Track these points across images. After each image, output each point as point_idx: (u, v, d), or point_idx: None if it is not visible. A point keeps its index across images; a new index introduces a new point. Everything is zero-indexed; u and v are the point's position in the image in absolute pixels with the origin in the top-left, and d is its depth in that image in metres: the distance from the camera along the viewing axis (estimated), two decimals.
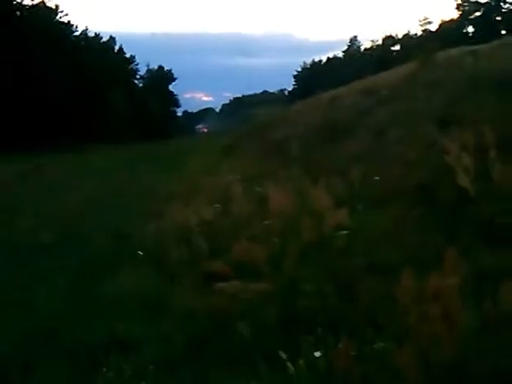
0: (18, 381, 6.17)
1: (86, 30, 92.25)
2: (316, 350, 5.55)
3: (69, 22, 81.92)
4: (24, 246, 12.94)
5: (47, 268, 11.17)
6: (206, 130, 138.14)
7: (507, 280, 4.96)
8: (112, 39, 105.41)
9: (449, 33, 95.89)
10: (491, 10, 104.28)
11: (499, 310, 4.79)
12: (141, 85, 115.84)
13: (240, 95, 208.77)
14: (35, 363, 6.55)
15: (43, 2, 69.85)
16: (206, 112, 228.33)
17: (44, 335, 7.38)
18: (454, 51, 28.68)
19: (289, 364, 5.52)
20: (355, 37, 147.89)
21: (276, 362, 5.64)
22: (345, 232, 8.85)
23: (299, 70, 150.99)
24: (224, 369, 5.91)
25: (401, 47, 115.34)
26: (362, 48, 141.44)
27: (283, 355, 5.63)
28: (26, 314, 8.35)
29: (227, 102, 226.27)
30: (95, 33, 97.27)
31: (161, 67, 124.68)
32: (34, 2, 68.66)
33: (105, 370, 5.99)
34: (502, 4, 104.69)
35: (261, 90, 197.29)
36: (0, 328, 7.83)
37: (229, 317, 6.96)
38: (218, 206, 12.48)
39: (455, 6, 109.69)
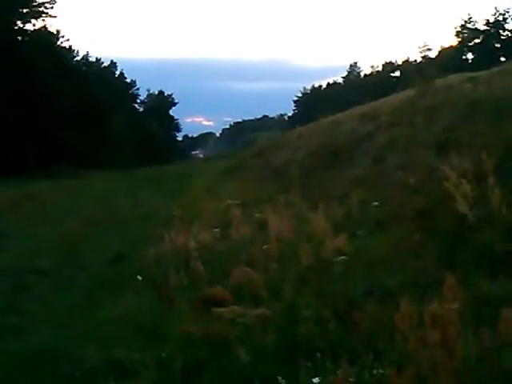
0: None
1: (87, 54, 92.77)
2: (315, 376, 5.54)
3: (70, 46, 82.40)
4: (22, 271, 12.91)
5: (46, 292, 11.17)
6: (201, 156, 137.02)
7: (506, 307, 4.95)
8: (113, 64, 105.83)
9: (448, 59, 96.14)
10: (491, 37, 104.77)
11: (498, 337, 4.77)
12: (141, 109, 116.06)
13: (240, 120, 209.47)
14: None
15: (45, 27, 70.07)
16: (207, 136, 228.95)
17: (42, 359, 7.36)
18: (453, 77, 28.83)
19: None
20: (355, 63, 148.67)
21: None
22: (344, 257, 8.86)
23: (299, 95, 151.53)
24: None
25: (400, 73, 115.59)
26: (362, 74, 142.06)
27: (282, 381, 5.61)
28: (24, 338, 8.35)
29: (227, 126, 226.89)
30: (96, 58, 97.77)
31: (161, 92, 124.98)
32: (36, 27, 68.93)
33: None
34: (501, 31, 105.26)
35: (261, 115, 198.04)
36: None
37: (227, 342, 6.94)
38: (218, 230, 12.49)
39: (455, 33, 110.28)
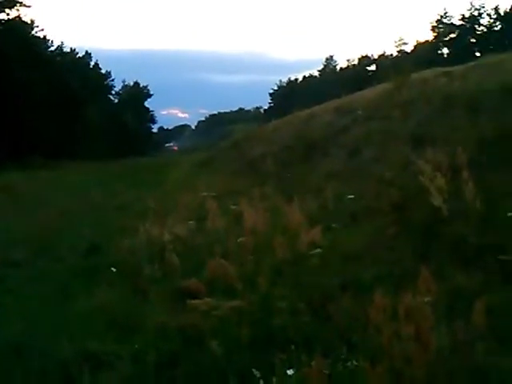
0: None
1: (62, 44, 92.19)
2: (289, 368, 5.54)
3: (45, 36, 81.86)
4: None
5: (19, 285, 11.08)
6: (176, 148, 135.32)
7: (479, 300, 4.98)
8: (88, 54, 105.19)
9: (424, 54, 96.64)
10: (466, 32, 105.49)
11: (471, 329, 4.81)
12: (116, 101, 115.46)
13: (216, 112, 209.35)
14: (6, 379, 6.49)
15: (19, 17, 69.56)
16: (182, 129, 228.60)
17: (15, 352, 7.30)
18: (428, 72, 28.87)
19: (261, 382, 5.51)
20: (331, 56, 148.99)
21: (249, 380, 5.63)
22: (319, 250, 8.86)
23: (275, 88, 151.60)
24: None
25: (376, 67, 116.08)
26: (338, 67, 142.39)
27: (256, 373, 5.61)
28: None
29: (203, 118, 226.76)
30: (71, 48, 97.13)
31: (136, 83, 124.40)
32: (10, 17, 68.38)
33: None
34: (476, 26, 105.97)
35: (236, 108, 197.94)
36: None
37: (201, 334, 6.93)
38: (193, 222, 12.45)
39: (430, 28, 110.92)
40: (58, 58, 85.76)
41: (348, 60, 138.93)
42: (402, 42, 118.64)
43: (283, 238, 9.06)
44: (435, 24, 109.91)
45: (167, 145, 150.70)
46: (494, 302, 5.63)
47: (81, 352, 7.00)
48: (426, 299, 4.87)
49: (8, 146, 57.83)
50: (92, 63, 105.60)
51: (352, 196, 12.34)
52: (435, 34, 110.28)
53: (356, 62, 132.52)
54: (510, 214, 8.47)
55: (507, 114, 12.99)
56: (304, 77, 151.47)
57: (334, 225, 10.87)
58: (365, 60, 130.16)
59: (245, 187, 16.08)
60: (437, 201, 9.01)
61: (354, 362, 5.42)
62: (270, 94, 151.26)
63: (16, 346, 7.46)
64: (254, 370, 5.68)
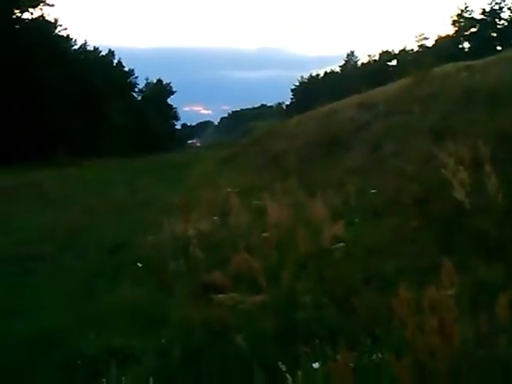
0: None
1: (85, 43, 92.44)
2: (314, 362, 5.54)
3: (68, 35, 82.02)
4: (23, 257, 12.93)
5: (46, 279, 11.19)
6: (198, 145, 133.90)
7: (503, 293, 4.97)
8: (111, 53, 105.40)
9: (445, 48, 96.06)
10: (487, 26, 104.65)
11: (495, 322, 4.79)
12: (140, 98, 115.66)
13: (238, 109, 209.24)
14: (36, 373, 6.55)
15: (43, 16, 69.77)
16: (205, 125, 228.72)
17: (45, 345, 7.37)
18: (449, 66, 28.75)
19: (287, 375, 5.51)
20: (352, 52, 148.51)
21: (274, 373, 5.63)
22: (341, 244, 8.87)
23: (297, 83, 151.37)
24: (221, 380, 5.90)
25: (397, 62, 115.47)
26: (359, 63, 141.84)
27: (282, 366, 5.62)
28: (25, 322, 8.35)
29: (226, 115, 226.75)
30: (94, 46, 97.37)
31: (159, 80, 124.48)
32: (34, 16, 68.66)
33: (104, 380, 5.97)
34: (497, 20, 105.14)
35: (259, 104, 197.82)
36: (1, 337, 7.83)
37: (226, 328, 6.95)
38: (217, 218, 12.49)
39: (451, 22, 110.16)
40: (82, 57, 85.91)
41: (369, 55, 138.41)
42: (423, 36, 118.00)
43: (306, 232, 9.08)
44: (456, 18, 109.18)
45: (190, 141, 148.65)
46: None
47: (107, 346, 7.05)
48: (450, 292, 4.86)
49: (33, 143, 58.17)
50: (115, 61, 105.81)
51: (374, 190, 12.32)
52: (456, 29, 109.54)
53: (377, 58, 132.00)
54: None
55: None
56: (325, 72, 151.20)
57: (356, 219, 10.86)
58: (386, 55, 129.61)
59: (268, 183, 16.11)
60: (459, 194, 8.97)
61: (379, 355, 5.40)
62: (292, 90, 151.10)
63: (43, 339, 7.53)
64: (279, 363, 5.68)
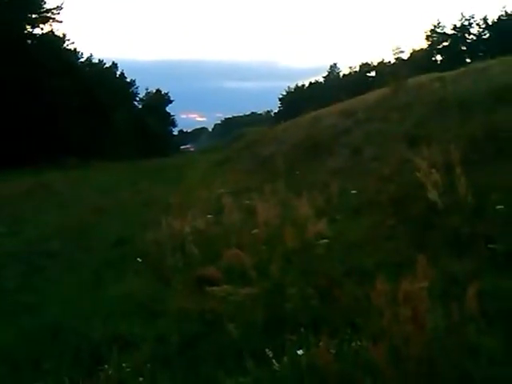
0: (29, 373, 6.15)
1: (91, 56, 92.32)
2: (299, 349, 5.55)
3: (75, 49, 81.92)
4: (34, 254, 12.92)
5: (56, 273, 11.19)
6: (192, 149, 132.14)
7: (471, 285, 4.97)
8: (114, 65, 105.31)
9: (419, 61, 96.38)
10: (457, 40, 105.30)
11: (464, 312, 4.80)
12: (140, 106, 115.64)
13: (230, 116, 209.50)
14: (44, 357, 6.56)
15: (52, 31, 69.79)
16: (200, 131, 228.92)
17: (53, 333, 7.40)
18: (423, 77, 28.78)
19: (274, 361, 5.52)
20: (335, 64, 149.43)
21: (262, 359, 5.64)
22: (325, 240, 8.87)
23: (284, 93, 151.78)
24: (214, 366, 5.90)
25: (376, 73, 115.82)
26: (341, 74, 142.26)
27: (269, 353, 5.63)
28: (37, 314, 8.38)
29: (219, 122, 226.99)
30: (99, 59, 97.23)
31: (158, 90, 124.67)
32: (44, 31, 68.67)
33: (106, 366, 5.98)
34: (466, 35, 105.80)
35: (249, 112, 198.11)
36: (13, 326, 7.84)
37: (219, 318, 6.95)
38: (211, 216, 12.48)
39: (425, 37, 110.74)
40: (88, 69, 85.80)
41: (350, 67, 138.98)
42: (399, 50, 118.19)
43: (293, 229, 9.07)
44: (429, 33, 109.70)
45: (183, 147, 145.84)
46: (484, 287, 5.61)
47: (110, 333, 7.08)
48: (423, 284, 4.85)
49: (44, 148, 58.14)
50: (118, 73, 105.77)
51: (355, 191, 12.32)
52: (429, 43, 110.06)
53: (357, 69, 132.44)
54: (498, 207, 8.44)
55: (495, 115, 12.95)
56: (310, 83, 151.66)
57: (338, 217, 10.85)
58: (365, 67, 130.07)
59: (257, 184, 16.10)
60: (432, 195, 8.99)
61: (358, 342, 5.42)
62: (280, 99, 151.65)
63: (54, 327, 7.55)
64: (267, 350, 5.69)
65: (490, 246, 7.38)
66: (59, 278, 10.71)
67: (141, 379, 5.72)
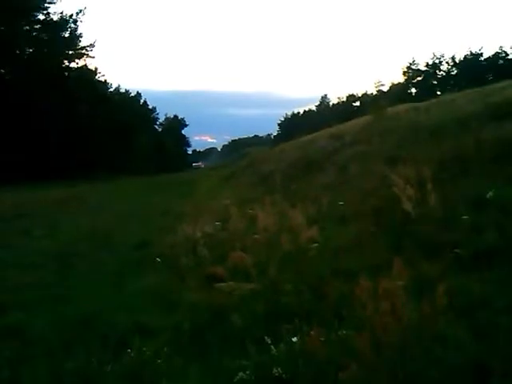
0: (60, 357, 6.13)
1: (119, 86, 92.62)
2: (293, 336, 5.55)
3: (105, 80, 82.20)
4: (66, 254, 12.91)
5: (85, 271, 11.17)
6: (203, 166, 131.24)
7: (440, 283, 4.96)
8: (138, 94, 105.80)
9: (397, 92, 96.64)
10: (429, 75, 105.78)
11: (435, 307, 4.78)
12: (160, 129, 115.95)
13: (237, 138, 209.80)
14: (75, 343, 6.54)
15: (86, 65, 70.31)
16: (210, 151, 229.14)
17: (83, 321, 7.39)
18: (400, 107, 28.87)
19: (272, 347, 5.50)
20: (325, 95, 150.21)
21: (262, 345, 5.63)
22: (315, 244, 8.84)
23: (282, 119, 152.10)
24: (221, 350, 5.88)
25: (360, 103, 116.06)
26: (331, 103, 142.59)
27: (268, 340, 5.61)
28: (70, 306, 8.37)
29: (227, 143, 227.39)
30: (125, 89, 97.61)
31: (176, 116, 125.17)
32: (79, 65, 69.19)
33: (129, 350, 5.97)
34: (437, 71, 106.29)
35: (252, 134, 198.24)
36: (48, 316, 7.83)
37: (225, 310, 6.95)
38: (219, 223, 12.46)
39: (402, 72, 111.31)
40: (116, 97, 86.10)
41: (338, 97, 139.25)
42: (380, 83, 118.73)
43: (288, 235, 9.04)
44: (405, 69, 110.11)
45: (195, 164, 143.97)
46: (452, 286, 5.60)
47: (133, 322, 7.07)
48: (400, 283, 4.84)
49: (78, 164, 58.46)
50: (141, 101, 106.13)
51: (342, 203, 12.31)
52: (406, 77, 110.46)
53: (345, 99, 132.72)
54: (464, 217, 8.44)
55: (461, 139, 12.97)
56: (304, 110, 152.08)
57: (327, 225, 10.83)
58: (351, 98, 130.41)
59: (258, 196, 16.05)
60: (407, 206, 8.98)
61: (344, 331, 5.41)
62: (278, 124, 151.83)
63: (84, 318, 7.53)
64: (266, 337, 5.68)
65: (456, 250, 7.38)
66: (88, 275, 10.69)
67: (159, 361, 5.71)
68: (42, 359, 6.13)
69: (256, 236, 10.12)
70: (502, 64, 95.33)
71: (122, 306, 7.96)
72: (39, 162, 54.17)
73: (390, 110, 26.50)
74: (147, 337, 6.49)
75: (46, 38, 64.70)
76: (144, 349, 5.95)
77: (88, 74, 70.40)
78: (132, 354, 5.89)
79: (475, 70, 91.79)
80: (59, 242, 14.92)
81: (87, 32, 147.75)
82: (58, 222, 19.30)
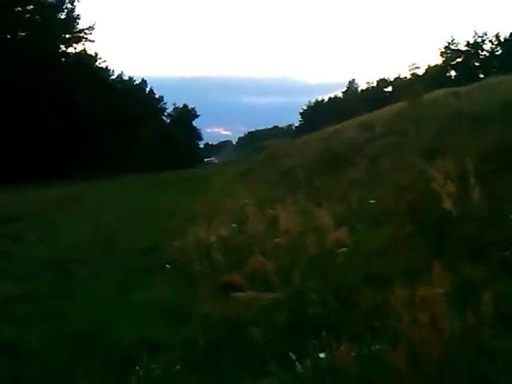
0: (61, 375, 6.16)
1: (122, 73, 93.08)
2: (321, 352, 5.53)
3: (107, 67, 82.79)
4: (65, 260, 12.97)
5: (86, 279, 11.22)
6: (216, 162, 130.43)
7: (486, 290, 4.93)
8: (143, 82, 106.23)
9: (434, 76, 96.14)
10: (471, 56, 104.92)
11: (480, 317, 4.75)
12: (168, 121, 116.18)
13: (253, 130, 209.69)
14: (77, 361, 6.56)
15: (85, 50, 70.72)
16: (225, 144, 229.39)
17: (84, 337, 7.39)
18: (438, 92, 28.74)
19: (297, 364, 5.50)
20: (353, 79, 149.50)
21: (285, 361, 5.62)
22: (344, 248, 8.83)
23: (305, 108, 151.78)
24: (239, 368, 5.89)
25: (392, 88, 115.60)
26: (360, 89, 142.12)
27: (292, 356, 5.61)
28: (68, 319, 8.38)
29: (243, 135, 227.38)
30: (129, 76, 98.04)
31: (185, 105, 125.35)
32: (77, 50, 69.58)
33: (137, 368, 5.98)
34: (479, 51, 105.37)
35: (271, 126, 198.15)
36: (45, 331, 7.85)
37: (243, 322, 6.94)
38: (235, 225, 12.47)
39: (439, 53, 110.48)
40: (119, 85, 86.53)
41: (368, 82, 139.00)
42: (415, 66, 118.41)
43: (313, 237, 9.04)
44: (443, 50, 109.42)
45: (207, 159, 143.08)
46: (499, 292, 5.56)
47: (140, 337, 7.08)
48: (440, 290, 4.83)
49: (77, 161, 58.74)
50: (147, 89, 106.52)
51: (373, 201, 12.26)
52: (444, 59, 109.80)
53: (375, 84, 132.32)
54: (511, 216, 8.38)
55: (507, 128, 12.87)
56: (330, 98, 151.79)
57: (357, 226, 10.80)
58: (382, 82, 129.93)
59: (279, 195, 16.04)
60: (447, 204, 8.93)
61: (377, 346, 5.39)
62: (301, 113, 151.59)
63: (85, 332, 7.55)
64: (290, 353, 5.68)
65: (503, 252, 7.32)
66: (89, 284, 10.73)
67: (170, 380, 5.72)
68: (38, 382, 6.17)
69: (277, 239, 10.13)
70: None
71: (128, 319, 7.98)
72: (37, 161, 54.53)
73: (426, 95, 26.36)
74: (156, 353, 6.49)
75: (39, 19, 65.16)
76: (153, 366, 5.96)
77: (87, 59, 70.88)
78: (140, 373, 5.89)
79: None
80: (57, 247, 15.00)
81: (86, 14, 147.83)
82: (56, 225, 19.43)
